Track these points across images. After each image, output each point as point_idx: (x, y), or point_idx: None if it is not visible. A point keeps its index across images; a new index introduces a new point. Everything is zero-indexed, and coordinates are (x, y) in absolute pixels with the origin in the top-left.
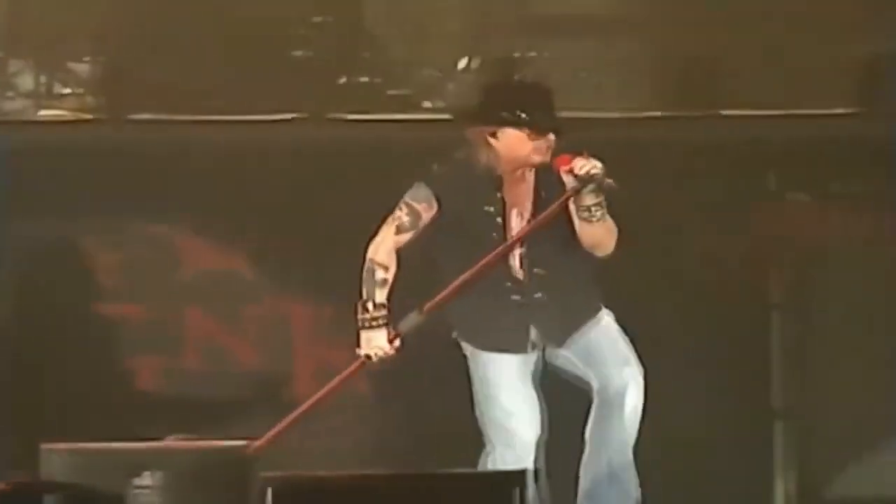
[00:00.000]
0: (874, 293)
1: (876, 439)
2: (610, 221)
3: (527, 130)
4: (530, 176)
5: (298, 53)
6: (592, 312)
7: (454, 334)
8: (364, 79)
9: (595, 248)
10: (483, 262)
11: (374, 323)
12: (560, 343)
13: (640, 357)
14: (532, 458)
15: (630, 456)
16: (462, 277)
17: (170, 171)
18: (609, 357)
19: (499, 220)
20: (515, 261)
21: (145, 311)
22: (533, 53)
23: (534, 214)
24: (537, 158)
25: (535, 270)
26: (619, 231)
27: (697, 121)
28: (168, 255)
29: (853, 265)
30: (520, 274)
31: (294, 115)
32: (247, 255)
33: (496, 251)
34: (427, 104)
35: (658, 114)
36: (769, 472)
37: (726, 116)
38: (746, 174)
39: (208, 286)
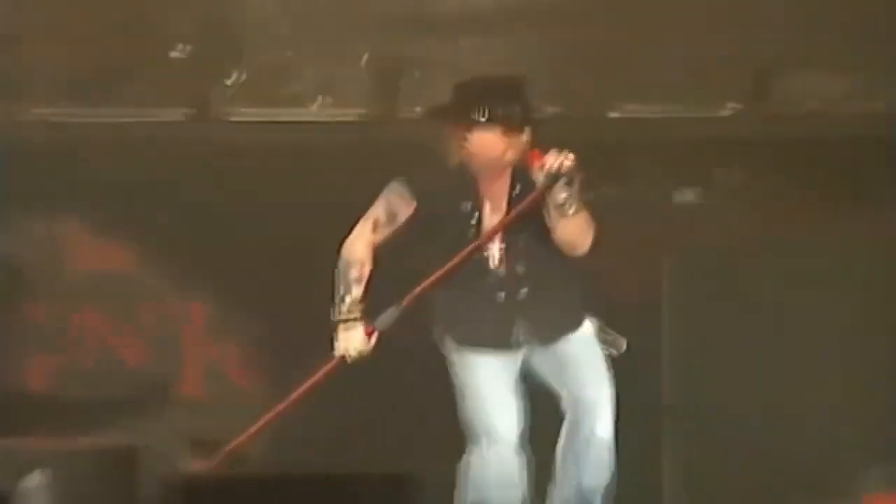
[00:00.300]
0: (762, 290)
1: (758, 435)
2: (583, 217)
3: (499, 129)
4: (507, 172)
5: (180, 53)
6: (579, 315)
7: (435, 335)
8: (252, 77)
9: (570, 244)
10: (456, 258)
11: (349, 318)
12: (547, 341)
13: None
14: (514, 455)
15: (602, 481)
16: (437, 274)
17: (60, 170)
18: (586, 375)
19: (474, 218)
20: (495, 258)
21: (40, 310)
22: (427, 50)
23: (509, 212)
24: (510, 156)
25: (518, 268)
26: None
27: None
28: (61, 254)
29: (743, 262)
30: (502, 271)
31: (185, 114)
32: (140, 255)
33: (468, 248)
34: (319, 101)
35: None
36: (657, 467)
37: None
38: (636, 173)
39: (101, 286)
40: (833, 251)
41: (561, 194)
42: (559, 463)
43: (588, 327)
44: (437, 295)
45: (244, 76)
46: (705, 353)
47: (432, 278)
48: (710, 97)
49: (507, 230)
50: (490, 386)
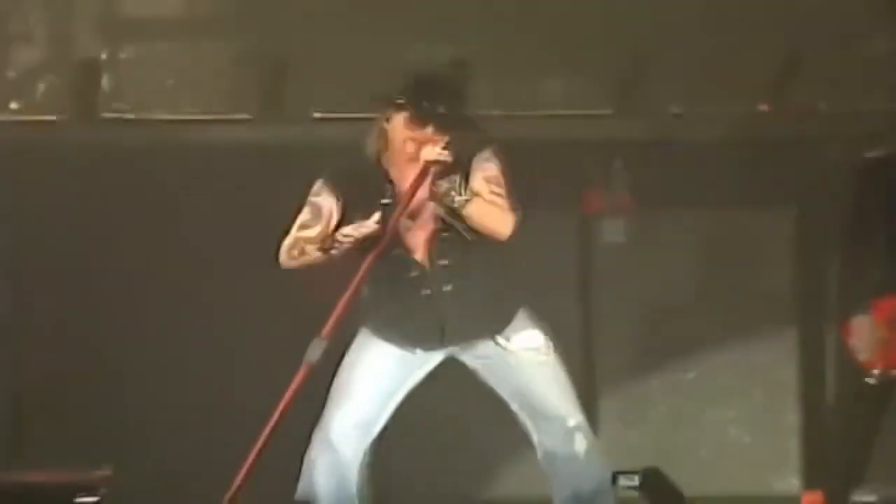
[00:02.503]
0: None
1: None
2: (477, 207)
3: (405, 115)
4: (426, 173)
5: None
6: (509, 310)
7: (362, 330)
8: None
9: (483, 232)
10: (361, 270)
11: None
12: (476, 337)
13: None
14: (344, 452)
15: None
16: (348, 292)
17: None
18: (548, 405)
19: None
20: (421, 254)
21: None
22: (122, 55)
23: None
24: (410, 148)
25: (441, 262)
26: None
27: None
28: None
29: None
30: (426, 264)
31: None
32: None
33: (369, 258)
34: (14, 105)
35: (244, 116)
36: None
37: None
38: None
39: None
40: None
41: (444, 186)
42: (549, 474)
43: (534, 334)
44: (364, 293)
45: None
46: None
47: (345, 296)
48: None
49: (436, 226)
50: (368, 378)
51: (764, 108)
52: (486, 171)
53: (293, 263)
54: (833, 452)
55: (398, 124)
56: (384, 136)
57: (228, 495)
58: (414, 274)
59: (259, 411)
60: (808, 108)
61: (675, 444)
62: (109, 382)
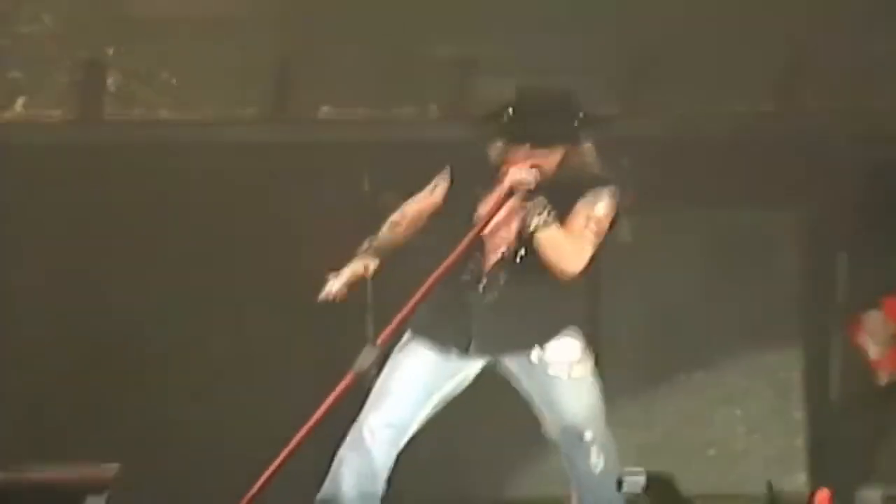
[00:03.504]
0: None
1: None
2: (554, 237)
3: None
4: None
5: None
6: (557, 326)
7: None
8: None
9: (549, 263)
10: (429, 282)
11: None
12: (506, 349)
13: None
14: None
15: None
16: (409, 304)
17: None
18: (574, 419)
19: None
20: (484, 261)
21: None
22: (125, 54)
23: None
24: (504, 168)
25: (495, 272)
26: None
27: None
28: None
29: None
30: (481, 272)
31: None
32: None
33: (435, 275)
34: (19, 105)
35: (250, 116)
36: None
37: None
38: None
39: None
40: None
41: (529, 209)
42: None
43: (573, 348)
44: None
45: None
46: None
47: (406, 308)
48: None
49: (508, 242)
50: (405, 380)
51: (770, 107)
52: (593, 209)
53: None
54: (840, 450)
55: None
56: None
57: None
58: (465, 278)
59: (267, 411)
60: (814, 108)
61: (683, 442)
62: (116, 381)
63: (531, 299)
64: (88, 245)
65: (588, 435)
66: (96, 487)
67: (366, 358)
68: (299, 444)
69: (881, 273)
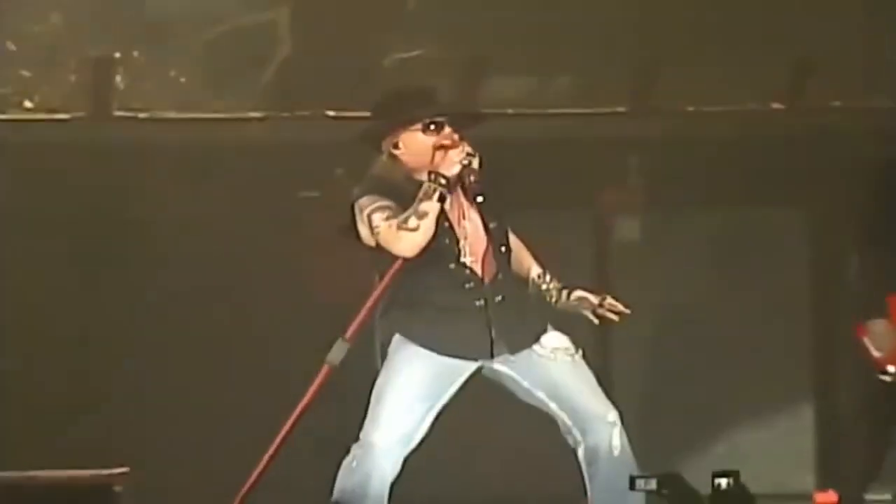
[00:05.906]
0: None
1: None
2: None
3: (419, 128)
4: None
5: None
6: (546, 315)
7: (379, 327)
8: None
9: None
10: (387, 276)
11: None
12: (518, 348)
13: None
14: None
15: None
16: (374, 295)
17: None
18: (588, 402)
19: (446, 223)
20: (478, 265)
21: None
22: (135, 54)
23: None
24: (440, 154)
25: (494, 274)
26: None
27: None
28: None
29: None
30: (481, 276)
31: None
32: None
33: (399, 262)
34: (28, 104)
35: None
36: None
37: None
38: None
39: None
40: None
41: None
42: (587, 474)
43: (561, 336)
44: (398, 299)
45: None
46: None
47: (371, 300)
48: None
49: (488, 237)
50: (409, 389)
51: (779, 106)
52: None
53: (416, 238)
54: (847, 451)
55: (417, 139)
56: (401, 162)
57: (240, 496)
58: (469, 285)
59: (270, 410)
60: (822, 107)
61: (690, 442)
62: (121, 382)
63: (522, 293)
64: (95, 241)
65: (611, 416)
66: (105, 489)
67: (337, 352)
68: (283, 441)
69: (892, 271)
